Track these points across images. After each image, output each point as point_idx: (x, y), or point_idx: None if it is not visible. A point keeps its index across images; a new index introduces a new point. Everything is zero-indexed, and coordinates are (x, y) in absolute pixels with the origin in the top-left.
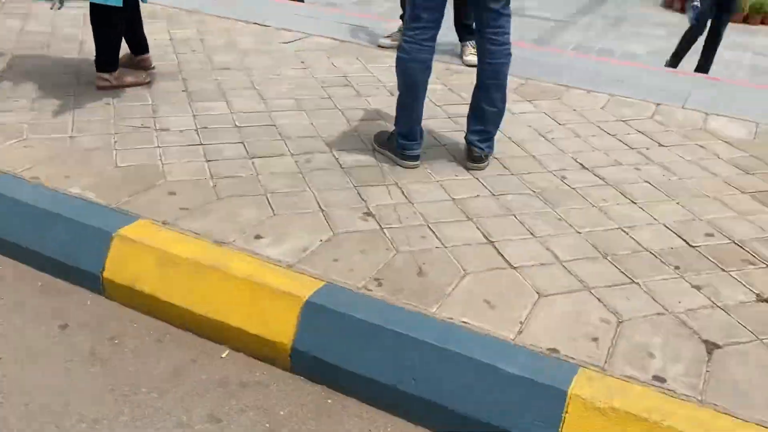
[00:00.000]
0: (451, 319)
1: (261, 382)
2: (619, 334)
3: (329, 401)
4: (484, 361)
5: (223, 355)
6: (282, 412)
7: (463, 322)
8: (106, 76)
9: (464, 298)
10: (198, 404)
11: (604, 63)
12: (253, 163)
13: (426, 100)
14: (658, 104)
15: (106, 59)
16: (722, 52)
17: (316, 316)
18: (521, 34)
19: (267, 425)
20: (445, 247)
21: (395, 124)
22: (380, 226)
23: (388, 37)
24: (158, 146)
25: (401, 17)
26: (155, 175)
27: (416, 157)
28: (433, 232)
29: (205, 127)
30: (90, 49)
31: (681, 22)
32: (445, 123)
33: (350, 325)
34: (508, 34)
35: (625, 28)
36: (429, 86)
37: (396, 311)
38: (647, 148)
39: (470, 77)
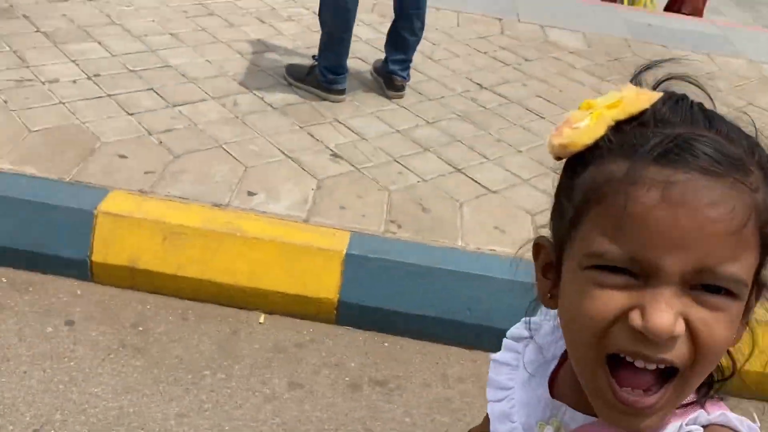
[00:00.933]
0: (480, 249)
1: (315, 340)
2: None
3: (386, 344)
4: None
5: (261, 321)
6: (353, 364)
7: (491, 249)
8: None
9: (476, 227)
10: (272, 374)
11: None
12: (180, 111)
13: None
14: (500, 19)
15: None
16: None
17: (358, 266)
18: None
19: (347, 379)
20: (426, 181)
21: (319, 58)
22: (355, 167)
23: None
24: (61, 102)
25: None
26: (84, 136)
27: (344, 91)
28: (405, 167)
29: (97, 75)
30: None
31: None
32: None
33: (396, 269)
34: None
35: None
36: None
37: (433, 250)
38: (519, 64)
39: None
